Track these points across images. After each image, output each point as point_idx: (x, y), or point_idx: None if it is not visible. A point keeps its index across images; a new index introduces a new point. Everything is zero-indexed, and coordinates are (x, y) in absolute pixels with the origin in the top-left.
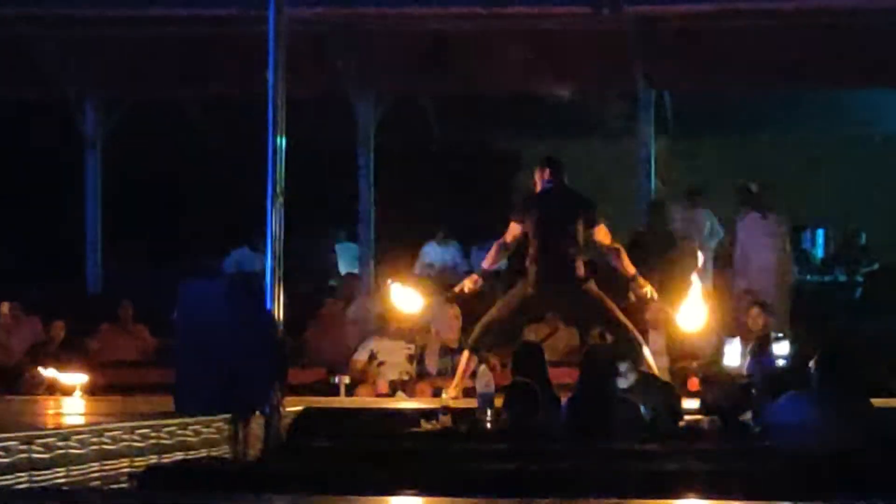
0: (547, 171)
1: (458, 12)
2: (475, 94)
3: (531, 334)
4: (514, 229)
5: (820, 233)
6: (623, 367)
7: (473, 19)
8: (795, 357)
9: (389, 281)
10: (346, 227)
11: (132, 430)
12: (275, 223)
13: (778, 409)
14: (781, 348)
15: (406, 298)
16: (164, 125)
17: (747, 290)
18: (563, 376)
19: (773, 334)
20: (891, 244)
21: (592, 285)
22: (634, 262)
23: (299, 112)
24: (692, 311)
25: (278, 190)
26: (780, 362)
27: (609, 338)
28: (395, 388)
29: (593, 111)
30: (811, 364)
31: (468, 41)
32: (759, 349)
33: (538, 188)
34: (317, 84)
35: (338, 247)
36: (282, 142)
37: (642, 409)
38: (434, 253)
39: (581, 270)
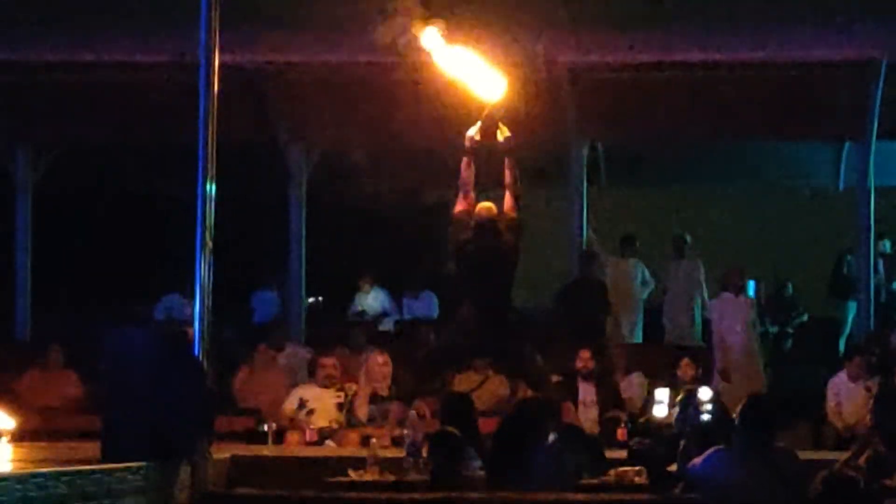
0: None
1: (390, 63)
2: (405, 146)
3: (461, 383)
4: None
5: (750, 284)
6: (550, 419)
7: (405, 68)
8: (721, 410)
9: None
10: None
11: (58, 476)
12: (204, 270)
13: (703, 464)
14: (706, 402)
15: None
16: (95, 171)
17: (722, 370)
18: (492, 426)
19: (698, 387)
20: (820, 296)
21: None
22: (567, 313)
23: (231, 160)
24: None
25: (207, 237)
26: (706, 416)
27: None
28: (323, 436)
29: (525, 162)
30: (735, 417)
31: (400, 91)
32: (687, 401)
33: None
34: (249, 132)
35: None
36: (212, 189)
37: (567, 460)
38: (365, 302)
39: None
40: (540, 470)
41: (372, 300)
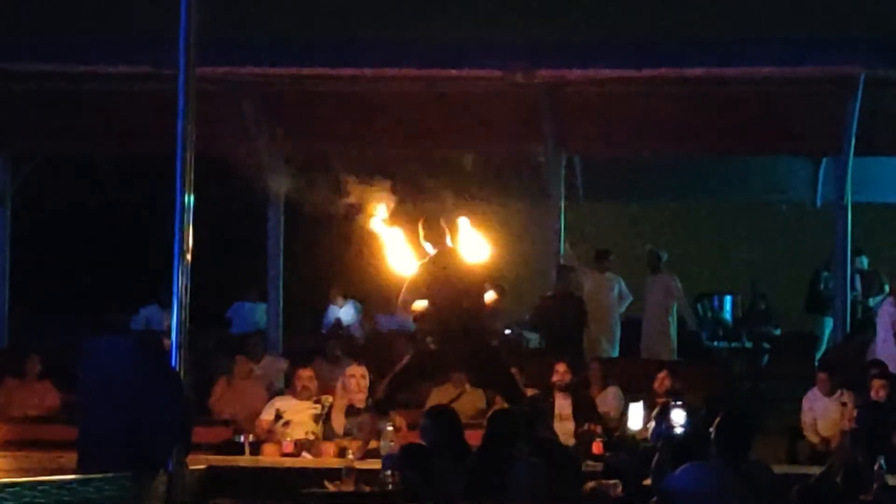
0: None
1: (370, 74)
2: (386, 157)
3: (438, 396)
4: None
5: (728, 299)
6: (526, 431)
7: (385, 81)
8: (696, 423)
9: None
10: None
11: (34, 486)
12: (181, 281)
13: (678, 477)
14: (678, 415)
15: None
16: (75, 181)
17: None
18: (469, 438)
19: (671, 400)
20: (797, 311)
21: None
22: (543, 326)
23: (210, 170)
24: None
25: (185, 247)
26: (678, 429)
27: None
28: (300, 447)
29: (503, 174)
30: (711, 431)
31: (378, 103)
32: (662, 414)
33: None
34: (228, 144)
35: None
36: (190, 200)
37: (543, 472)
38: (338, 313)
39: (479, 325)
40: (515, 483)
41: (344, 314)
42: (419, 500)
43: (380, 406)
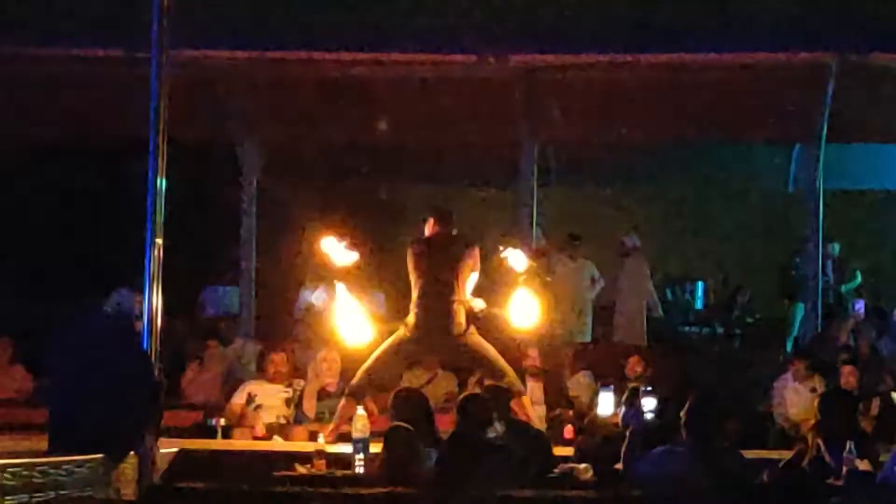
0: (432, 221)
1: (343, 59)
2: (359, 142)
3: (409, 380)
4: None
5: (700, 284)
6: (496, 415)
7: (358, 66)
8: (666, 409)
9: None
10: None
11: (3, 468)
12: (153, 264)
13: (648, 462)
14: (648, 400)
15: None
16: (46, 164)
17: None
18: (440, 422)
19: (642, 386)
20: (768, 297)
21: (472, 334)
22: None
23: (183, 155)
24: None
25: (157, 232)
26: (648, 414)
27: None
28: (272, 431)
29: (476, 160)
30: (681, 416)
31: (352, 88)
32: (632, 399)
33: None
34: (201, 127)
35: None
36: (162, 184)
37: (514, 456)
38: (311, 297)
39: (460, 319)
40: (487, 467)
41: (315, 298)
42: (400, 483)
43: (356, 393)
